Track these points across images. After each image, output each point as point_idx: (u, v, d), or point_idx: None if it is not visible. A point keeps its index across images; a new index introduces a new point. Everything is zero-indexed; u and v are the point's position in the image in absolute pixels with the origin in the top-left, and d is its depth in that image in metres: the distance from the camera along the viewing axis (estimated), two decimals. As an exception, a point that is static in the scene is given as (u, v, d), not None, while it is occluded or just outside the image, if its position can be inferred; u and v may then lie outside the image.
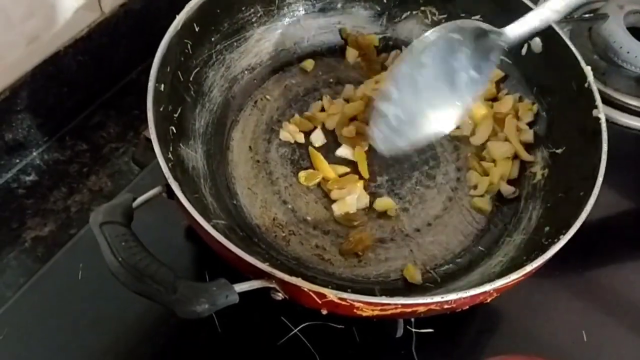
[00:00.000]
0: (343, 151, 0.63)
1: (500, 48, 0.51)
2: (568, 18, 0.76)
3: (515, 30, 0.52)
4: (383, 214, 0.60)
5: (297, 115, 0.65)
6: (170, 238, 0.59)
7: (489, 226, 0.59)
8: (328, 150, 0.63)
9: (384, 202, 0.60)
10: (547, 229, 0.53)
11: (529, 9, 0.57)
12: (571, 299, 0.60)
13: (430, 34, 0.50)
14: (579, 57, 0.57)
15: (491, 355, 0.49)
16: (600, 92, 0.72)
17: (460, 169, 0.63)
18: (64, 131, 0.68)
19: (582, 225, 0.48)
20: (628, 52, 0.73)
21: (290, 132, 0.63)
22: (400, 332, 0.53)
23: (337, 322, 0.53)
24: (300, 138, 0.63)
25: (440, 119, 0.53)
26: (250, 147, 0.63)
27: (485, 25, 0.52)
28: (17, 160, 0.65)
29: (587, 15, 0.75)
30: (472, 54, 0.51)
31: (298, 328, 0.53)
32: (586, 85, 0.56)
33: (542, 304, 0.60)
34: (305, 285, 0.43)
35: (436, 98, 0.52)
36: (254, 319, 0.55)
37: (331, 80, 0.68)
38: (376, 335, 0.55)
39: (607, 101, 0.73)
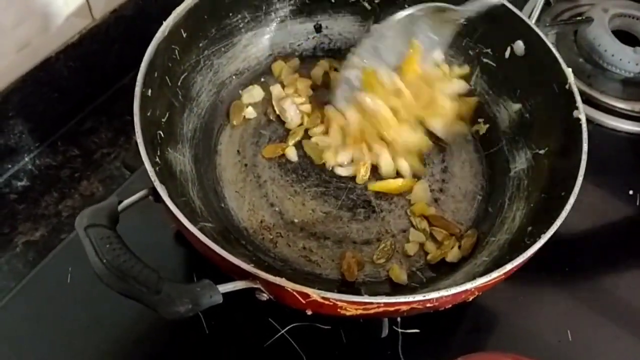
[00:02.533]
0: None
1: (457, 19, 0.60)
2: (553, 22, 0.77)
3: (468, 6, 0.60)
4: (369, 214, 0.60)
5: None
6: (160, 241, 0.60)
7: (474, 227, 0.60)
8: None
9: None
10: (529, 228, 0.54)
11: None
12: (558, 298, 0.61)
13: (395, 15, 0.59)
14: (560, 59, 0.58)
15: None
16: (586, 94, 0.74)
17: (445, 170, 0.64)
18: (56, 136, 0.68)
19: (569, 226, 0.49)
20: (613, 55, 0.74)
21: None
22: (385, 332, 0.54)
23: (323, 322, 0.54)
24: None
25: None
26: (238, 150, 0.63)
27: (443, 5, 0.60)
28: (9, 166, 0.65)
29: (572, 19, 0.76)
30: (432, 24, 0.60)
31: (285, 329, 0.53)
32: (567, 86, 0.57)
33: (528, 304, 0.60)
34: (289, 285, 0.43)
35: (395, 56, 0.61)
36: (241, 320, 0.56)
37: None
38: (363, 335, 0.56)
39: (593, 104, 0.74)
